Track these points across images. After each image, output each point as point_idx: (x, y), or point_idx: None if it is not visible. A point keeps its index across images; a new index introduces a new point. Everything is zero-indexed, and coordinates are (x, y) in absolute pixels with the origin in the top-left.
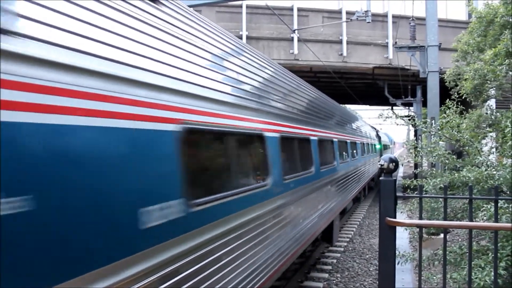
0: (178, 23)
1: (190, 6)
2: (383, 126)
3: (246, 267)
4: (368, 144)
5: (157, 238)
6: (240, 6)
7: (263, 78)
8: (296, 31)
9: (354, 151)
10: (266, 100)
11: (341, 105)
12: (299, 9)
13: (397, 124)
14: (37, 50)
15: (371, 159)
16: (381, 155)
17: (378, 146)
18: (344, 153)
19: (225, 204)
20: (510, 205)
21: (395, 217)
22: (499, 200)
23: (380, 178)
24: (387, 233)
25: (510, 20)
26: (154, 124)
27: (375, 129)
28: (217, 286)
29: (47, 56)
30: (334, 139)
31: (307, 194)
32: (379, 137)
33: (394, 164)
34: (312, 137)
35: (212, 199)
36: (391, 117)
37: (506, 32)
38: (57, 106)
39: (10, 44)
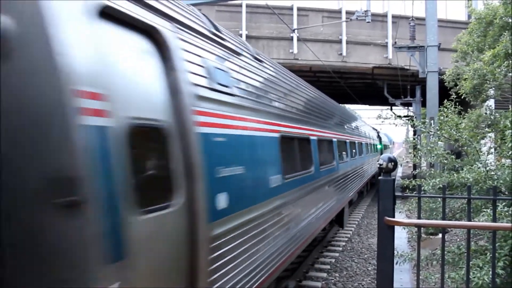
0: (268, 72)
1: (191, 5)
2: (382, 126)
3: (310, 214)
4: (371, 144)
5: (274, 193)
6: (240, 5)
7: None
8: (296, 31)
9: (360, 151)
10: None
11: (354, 114)
12: (299, 9)
13: (396, 125)
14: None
15: (373, 157)
16: (381, 154)
17: (379, 146)
18: (352, 152)
19: (296, 180)
20: (511, 208)
21: (393, 217)
22: (499, 204)
23: (379, 177)
24: (386, 233)
25: (509, 21)
26: (271, 133)
27: (376, 130)
28: (299, 218)
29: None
30: (347, 141)
31: (331, 182)
32: (379, 138)
33: (393, 163)
34: (334, 139)
35: (291, 176)
36: (389, 118)
37: (505, 33)
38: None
39: (220, 96)
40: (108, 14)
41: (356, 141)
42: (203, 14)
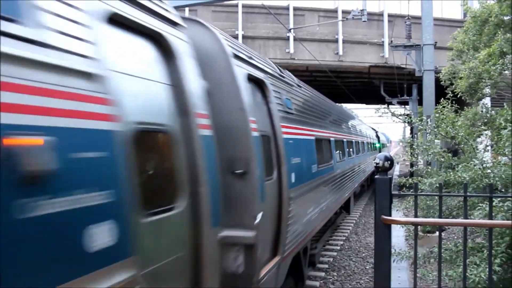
0: (305, 93)
1: (186, 6)
2: (380, 125)
3: (331, 196)
4: (371, 143)
5: (314, 176)
6: (236, 6)
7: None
8: (292, 30)
9: (363, 149)
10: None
11: (358, 117)
12: (295, 8)
13: (393, 121)
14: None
15: (373, 155)
16: (380, 152)
17: (378, 145)
18: (357, 150)
19: (324, 169)
20: (505, 204)
21: (390, 215)
22: (494, 199)
23: (376, 176)
24: (383, 231)
25: (504, 19)
26: (311, 137)
27: (375, 130)
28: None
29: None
30: (353, 141)
31: (343, 173)
32: (378, 137)
33: (389, 162)
34: (344, 140)
35: (321, 166)
36: (387, 112)
37: (500, 32)
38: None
39: (288, 116)
40: (251, 79)
41: (360, 141)
42: (274, 64)
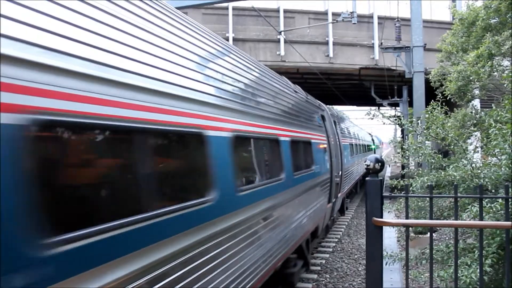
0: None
1: (176, 8)
2: (371, 127)
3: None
4: (369, 145)
5: (352, 161)
6: (227, 8)
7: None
8: (282, 33)
9: (364, 150)
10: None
11: (358, 126)
12: (285, 11)
13: (384, 123)
14: None
15: (369, 155)
16: (375, 153)
17: (373, 147)
18: (358, 151)
19: (355, 158)
20: (493, 204)
21: (381, 217)
22: (483, 199)
23: (367, 178)
24: (374, 233)
25: (491, 22)
26: (346, 143)
27: (370, 134)
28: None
29: None
30: (358, 144)
31: (355, 166)
32: (373, 140)
33: (380, 164)
34: (353, 143)
35: (353, 157)
36: (378, 115)
37: (487, 34)
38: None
39: (343, 132)
40: (323, 116)
41: (366, 144)
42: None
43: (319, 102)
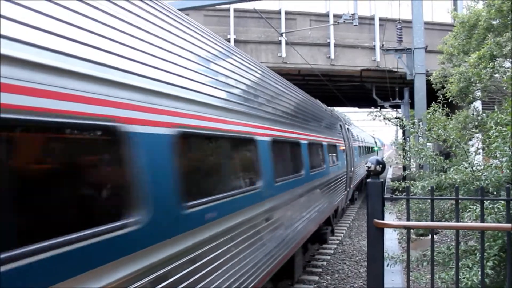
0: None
1: (180, 9)
2: (373, 128)
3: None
4: (370, 147)
5: (361, 160)
6: (228, 10)
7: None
8: (283, 34)
9: (365, 151)
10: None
11: (366, 132)
12: (286, 13)
13: (386, 123)
14: None
15: (378, 153)
16: (377, 154)
17: (375, 148)
18: (363, 151)
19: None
20: (495, 205)
21: (383, 219)
22: (485, 201)
23: (368, 180)
24: (375, 235)
25: (493, 23)
26: (356, 145)
27: (373, 137)
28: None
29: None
30: (364, 146)
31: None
32: (376, 143)
33: (381, 166)
34: (361, 146)
35: (363, 156)
36: (380, 116)
37: (489, 35)
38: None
39: (354, 139)
40: (340, 125)
41: (366, 146)
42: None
43: (336, 114)
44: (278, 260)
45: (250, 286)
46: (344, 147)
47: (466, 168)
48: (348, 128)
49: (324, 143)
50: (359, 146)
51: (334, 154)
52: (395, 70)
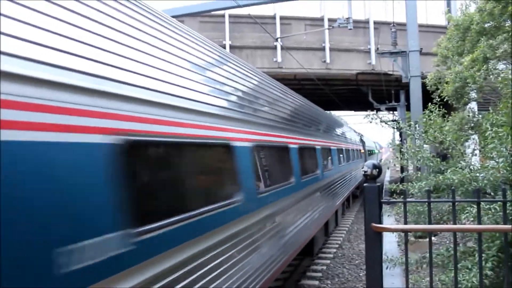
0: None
1: (173, 17)
2: (371, 131)
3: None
4: (373, 150)
5: (356, 166)
6: (223, 16)
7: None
8: (279, 39)
9: (369, 154)
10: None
11: (366, 137)
12: (281, 18)
13: (382, 126)
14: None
15: (375, 157)
16: (377, 157)
17: (376, 151)
18: (369, 153)
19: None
20: (492, 206)
21: (380, 223)
22: (482, 202)
23: (364, 184)
24: (373, 239)
25: (485, 26)
26: (357, 147)
27: (375, 142)
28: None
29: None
30: (370, 149)
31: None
32: (376, 146)
33: (377, 170)
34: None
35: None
36: (376, 118)
37: (482, 38)
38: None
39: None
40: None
41: (370, 149)
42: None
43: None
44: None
45: None
46: (363, 151)
47: (463, 168)
48: (362, 140)
49: (356, 148)
50: (367, 150)
51: (362, 157)
52: (391, 73)
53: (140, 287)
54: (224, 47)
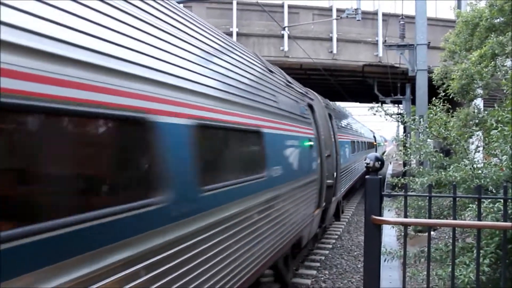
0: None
1: (179, 2)
2: (374, 124)
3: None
4: (380, 143)
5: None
6: (231, 3)
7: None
8: (286, 28)
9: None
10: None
11: (372, 131)
12: (289, 6)
13: (386, 119)
14: None
15: (380, 148)
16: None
17: (382, 144)
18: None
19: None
20: (495, 205)
21: (380, 215)
22: (484, 200)
23: (366, 176)
24: (373, 231)
25: (495, 22)
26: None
27: (381, 136)
28: None
29: None
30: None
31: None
32: (381, 139)
33: (379, 162)
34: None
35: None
36: (381, 111)
37: (492, 35)
38: None
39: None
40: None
41: (378, 143)
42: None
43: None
44: None
45: None
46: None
47: (466, 166)
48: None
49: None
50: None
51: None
52: (397, 66)
53: (205, 228)
54: (231, 35)
